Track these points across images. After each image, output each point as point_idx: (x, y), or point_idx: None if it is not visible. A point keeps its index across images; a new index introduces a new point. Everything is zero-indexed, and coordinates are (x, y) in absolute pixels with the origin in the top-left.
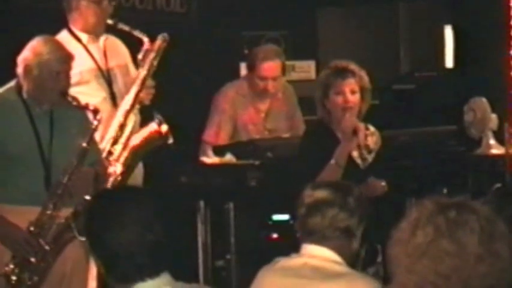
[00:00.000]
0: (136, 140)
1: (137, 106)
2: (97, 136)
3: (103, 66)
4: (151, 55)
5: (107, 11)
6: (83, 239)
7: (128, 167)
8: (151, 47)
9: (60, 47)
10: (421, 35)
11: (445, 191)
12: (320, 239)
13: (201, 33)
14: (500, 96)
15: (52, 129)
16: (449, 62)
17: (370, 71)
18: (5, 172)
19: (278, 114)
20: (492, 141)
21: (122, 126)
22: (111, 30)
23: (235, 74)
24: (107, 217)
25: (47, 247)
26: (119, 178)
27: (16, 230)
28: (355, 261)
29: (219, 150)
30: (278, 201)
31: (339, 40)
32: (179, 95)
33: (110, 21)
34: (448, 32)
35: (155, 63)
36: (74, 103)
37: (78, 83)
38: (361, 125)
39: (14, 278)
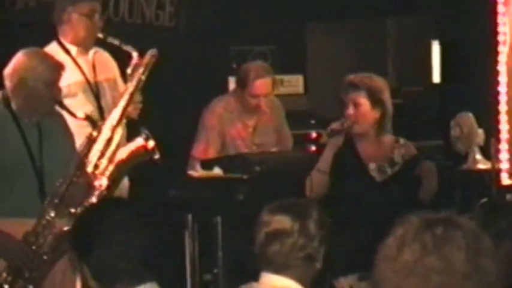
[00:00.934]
0: (122, 154)
1: (124, 120)
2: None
3: (91, 80)
4: (140, 70)
5: (98, 25)
6: None
7: (113, 181)
8: (140, 61)
9: (49, 57)
10: (408, 50)
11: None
12: (279, 268)
13: (190, 48)
14: (486, 112)
15: (41, 140)
16: (436, 77)
17: None
18: None
19: (266, 128)
20: (478, 156)
21: (108, 140)
22: (101, 43)
23: (224, 89)
24: (94, 230)
25: (44, 257)
26: (104, 192)
27: (12, 240)
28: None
29: (207, 164)
30: None
31: (327, 54)
32: (167, 109)
33: (100, 35)
34: (435, 48)
35: (143, 78)
36: (70, 113)
37: (65, 96)
38: (336, 124)
39: (6, 287)
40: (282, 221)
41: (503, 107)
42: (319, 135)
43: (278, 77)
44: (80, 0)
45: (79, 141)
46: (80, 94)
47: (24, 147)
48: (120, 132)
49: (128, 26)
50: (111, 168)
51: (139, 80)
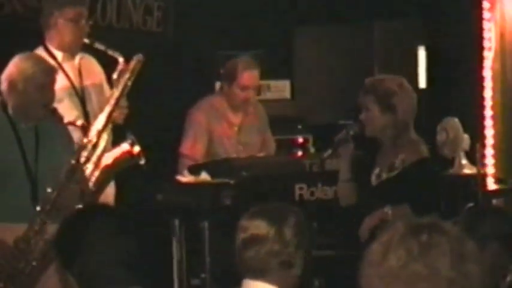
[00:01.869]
0: (107, 159)
1: (110, 125)
2: None
3: (77, 85)
4: (126, 75)
5: (84, 30)
6: None
7: (99, 187)
8: (126, 67)
9: (43, 61)
10: (394, 56)
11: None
12: (258, 274)
13: (177, 53)
14: (472, 117)
15: (37, 145)
16: (422, 83)
17: (343, 90)
18: None
19: (250, 128)
20: (464, 161)
21: (94, 146)
22: (87, 49)
23: (211, 94)
24: (78, 236)
25: (34, 263)
26: (90, 197)
27: (2, 245)
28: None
29: (194, 169)
30: None
31: (314, 59)
32: (154, 113)
33: (86, 40)
34: (421, 53)
35: (129, 83)
36: (61, 118)
37: None
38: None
39: None
40: (258, 226)
41: (488, 112)
42: (305, 140)
43: (265, 82)
44: (66, 5)
45: None
46: (65, 99)
47: (19, 151)
48: (105, 137)
49: (116, 31)
50: (96, 173)
51: (125, 85)
